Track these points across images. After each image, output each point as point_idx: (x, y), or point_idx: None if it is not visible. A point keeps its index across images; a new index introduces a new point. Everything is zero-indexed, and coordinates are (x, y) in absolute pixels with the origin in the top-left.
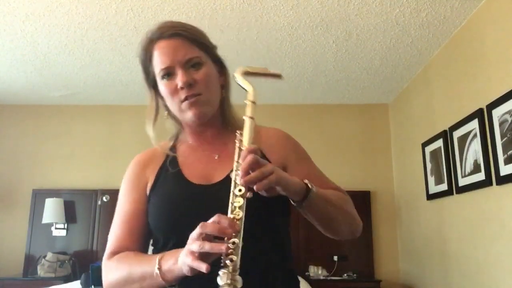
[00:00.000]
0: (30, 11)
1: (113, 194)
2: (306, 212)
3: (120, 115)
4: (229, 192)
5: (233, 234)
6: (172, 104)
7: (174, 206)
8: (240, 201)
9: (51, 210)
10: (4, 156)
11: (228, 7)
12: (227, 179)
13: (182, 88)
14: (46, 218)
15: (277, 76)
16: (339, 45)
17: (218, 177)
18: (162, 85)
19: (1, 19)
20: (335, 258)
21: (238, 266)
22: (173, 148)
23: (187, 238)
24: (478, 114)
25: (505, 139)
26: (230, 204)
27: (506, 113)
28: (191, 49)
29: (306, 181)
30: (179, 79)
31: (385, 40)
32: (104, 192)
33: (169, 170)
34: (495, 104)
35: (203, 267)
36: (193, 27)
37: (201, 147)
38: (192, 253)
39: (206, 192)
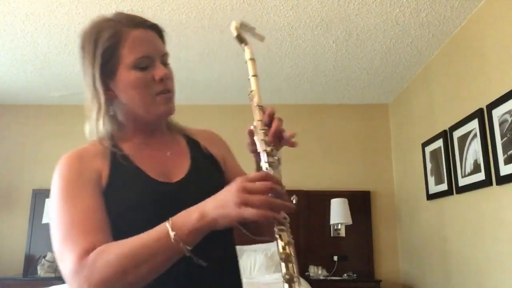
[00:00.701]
0: (30, 11)
1: None
2: None
3: None
4: (193, 191)
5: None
6: (140, 96)
7: (143, 205)
8: (273, 160)
9: None
10: (4, 156)
11: (228, 7)
12: (188, 177)
13: (161, 80)
14: (46, 218)
15: (260, 37)
16: (339, 45)
17: (178, 174)
18: (131, 75)
19: (1, 19)
20: (335, 258)
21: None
22: (116, 145)
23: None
24: (478, 114)
25: (505, 139)
26: (264, 163)
27: (506, 113)
28: (163, 45)
29: None
30: (162, 71)
31: (385, 40)
32: None
33: (123, 167)
34: (495, 104)
35: (277, 216)
36: None
37: (149, 145)
38: (252, 206)
39: (173, 190)
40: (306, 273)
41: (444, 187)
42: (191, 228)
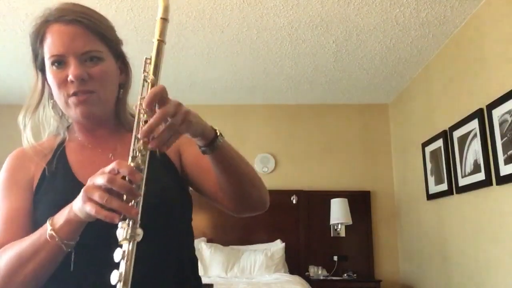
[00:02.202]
0: (30, 11)
1: None
2: (216, 159)
3: None
4: None
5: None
6: (58, 96)
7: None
8: (141, 147)
9: None
10: (4, 156)
11: (228, 7)
12: None
13: (72, 81)
14: None
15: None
16: (339, 45)
17: None
18: (50, 73)
19: (1, 19)
20: (335, 258)
21: (139, 218)
22: (62, 144)
23: (81, 246)
24: (478, 114)
25: (505, 139)
26: (131, 150)
27: (506, 113)
28: (91, 41)
29: (216, 128)
30: (71, 71)
31: (385, 40)
32: None
33: (57, 169)
34: (495, 104)
35: (115, 218)
36: (99, 17)
37: (91, 146)
38: (93, 202)
39: None
40: (306, 273)
41: (444, 187)
42: (62, 221)
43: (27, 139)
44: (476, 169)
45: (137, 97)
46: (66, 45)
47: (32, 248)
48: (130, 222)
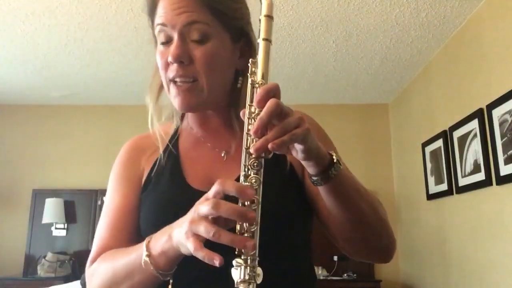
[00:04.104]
0: (30, 11)
1: None
2: (328, 192)
3: (120, 115)
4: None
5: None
6: (162, 79)
7: (168, 216)
8: (256, 164)
9: (51, 210)
10: (4, 156)
11: None
12: None
13: (171, 63)
14: (46, 218)
15: None
16: (339, 45)
17: None
18: (157, 51)
19: (1, 19)
20: (335, 258)
21: (257, 253)
22: (176, 133)
23: (183, 278)
24: (478, 114)
25: (505, 139)
26: (242, 167)
27: (506, 113)
28: (198, 12)
29: (331, 152)
30: (171, 50)
31: (385, 40)
32: (104, 192)
33: (167, 163)
34: (495, 104)
35: (216, 261)
36: None
37: (204, 139)
38: (196, 236)
39: None
40: None
41: (444, 187)
42: (159, 249)
43: (151, 125)
44: (476, 169)
45: (245, 105)
46: (170, 15)
47: (126, 269)
48: (248, 259)
